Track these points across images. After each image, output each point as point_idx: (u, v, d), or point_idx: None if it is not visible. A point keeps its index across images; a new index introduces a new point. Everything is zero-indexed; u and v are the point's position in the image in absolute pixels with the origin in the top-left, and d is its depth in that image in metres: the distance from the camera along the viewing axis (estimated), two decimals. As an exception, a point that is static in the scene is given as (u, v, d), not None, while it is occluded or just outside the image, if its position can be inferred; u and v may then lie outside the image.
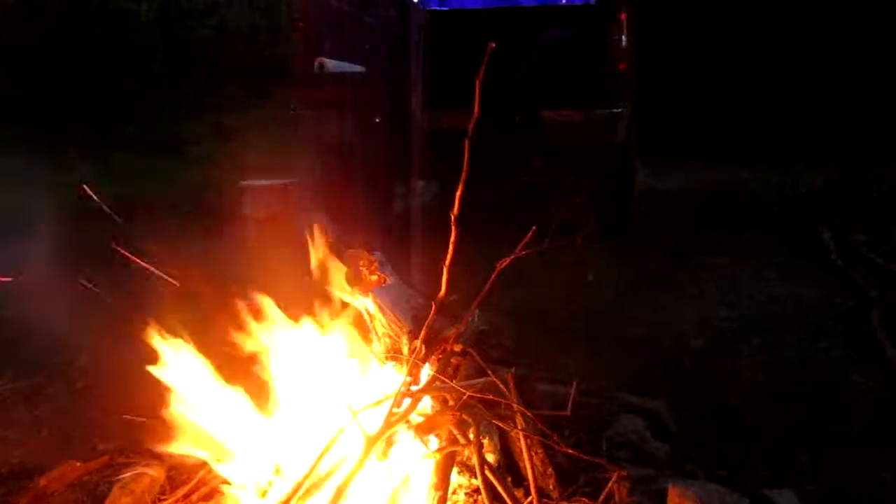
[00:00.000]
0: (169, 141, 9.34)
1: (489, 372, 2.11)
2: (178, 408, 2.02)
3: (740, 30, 8.47)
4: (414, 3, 5.80)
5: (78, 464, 2.26)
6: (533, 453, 2.00)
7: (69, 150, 7.60)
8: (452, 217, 1.77)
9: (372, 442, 1.78)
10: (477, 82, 1.61)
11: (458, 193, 1.74)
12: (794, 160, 6.80)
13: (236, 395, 2.09)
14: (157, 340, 2.01)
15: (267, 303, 2.19)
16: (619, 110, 3.97)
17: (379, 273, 2.24)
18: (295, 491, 1.74)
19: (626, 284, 3.94)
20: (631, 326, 3.38)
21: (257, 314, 2.19)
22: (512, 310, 3.08)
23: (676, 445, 2.34)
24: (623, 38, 3.94)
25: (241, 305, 2.20)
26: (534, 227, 2.05)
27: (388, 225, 4.50)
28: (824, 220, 4.96)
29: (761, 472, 2.22)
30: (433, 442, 2.00)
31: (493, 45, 1.48)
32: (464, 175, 1.75)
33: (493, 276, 2.13)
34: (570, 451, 2.02)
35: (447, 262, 1.86)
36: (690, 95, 7.90)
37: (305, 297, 2.20)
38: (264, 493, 1.91)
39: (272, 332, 2.17)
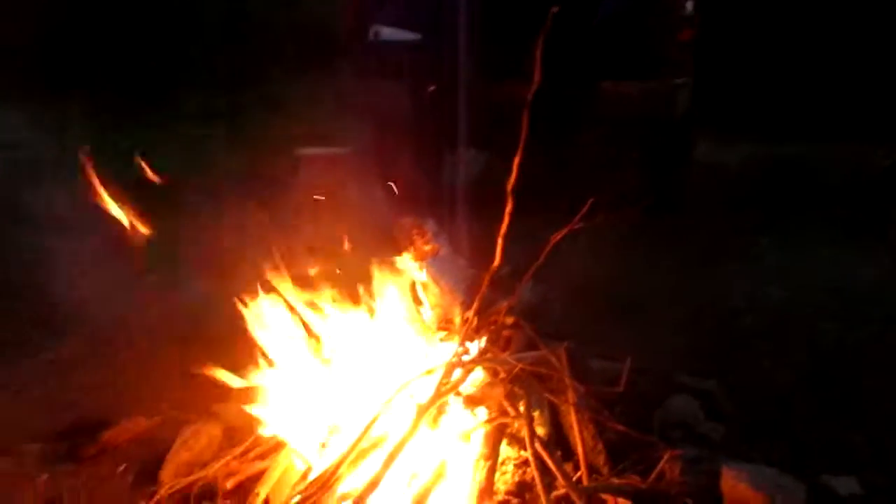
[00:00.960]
0: (223, 109, 9.46)
1: (541, 345, 2.10)
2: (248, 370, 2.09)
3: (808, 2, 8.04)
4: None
5: (141, 420, 2.36)
6: (584, 428, 1.99)
7: (123, 118, 7.77)
8: (508, 188, 1.75)
9: (422, 411, 1.79)
10: (537, 50, 1.58)
11: (514, 164, 1.72)
12: (860, 138, 6.48)
13: (300, 360, 2.13)
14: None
15: (319, 273, 2.23)
16: (680, 81, 3.84)
17: (432, 243, 2.24)
18: (346, 456, 1.78)
19: (679, 261, 3.84)
20: (683, 303, 3.31)
21: (313, 283, 2.22)
22: (565, 284, 3.04)
23: (731, 427, 2.29)
24: (688, 5, 3.79)
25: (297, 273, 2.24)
26: (590, 201, 2.02)
27: (440, 195, 4.49)
28: (889, 201, 4.73)
29: (818, 458, 2.16)
30: (483, 413, 2.01)
31: (556, 8, 1.44)
32: (521, 145, 1.72)
33: (546, 249, 2.11)
34: (622, 428, 2.00)
35: (501, 233, 1.85)
36: (754, 68, 7.57)
37: (363, 266, 2.21)
38: (319, 453, 1.95)
39: (330, 301, 2.20)
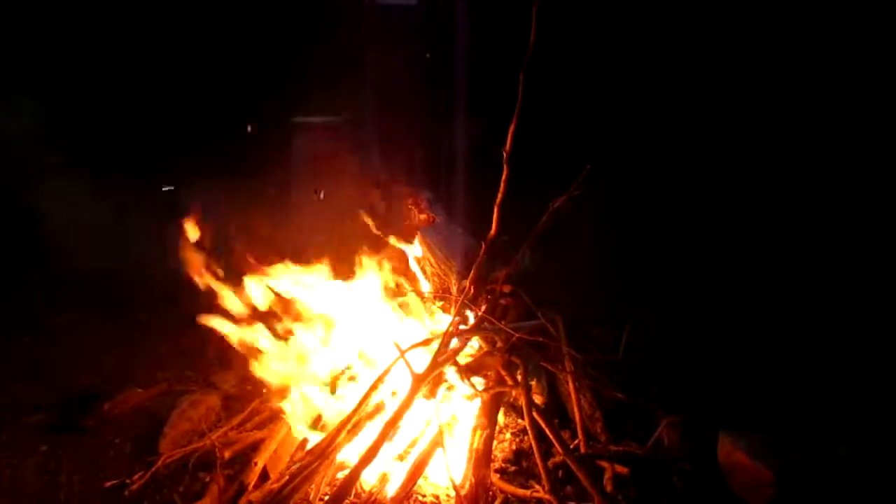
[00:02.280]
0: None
1: (538, 314, 2.09)
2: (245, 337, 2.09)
3: None
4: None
5: (140, 390, 2.36)
6: (581, 396, 1.99)
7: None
8: (504, 155, 1.72)
9: (419, 381, 1.79)
10: (533, 11, 1.53)
11: (510, 130, 1.68)
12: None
13: (294, 330, 2.13)
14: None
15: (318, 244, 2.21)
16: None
17: (428, 212, 2.22)
18: (344, 425, 1.78)
19: (679, 230, 3.80)
20: (681, 270, 3.27)
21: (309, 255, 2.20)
22: (563, 251, 3.01)
23: (728, 395, 2.28)
24: None
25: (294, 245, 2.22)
26: (587, 167, 1.98)
27: (437, 162, 4.44)
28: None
29: (814, 424, 2.15)
30: (480, 382, 2.00)
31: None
32: (517, 110, 1.68)
33: (545, 216, 2.08)
34: (619, 396, 1.99)
35: (498, 201, 1.82)
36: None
37: (359, 235, 2.19)
38: (319, 420, 1.96)
39: (325, 271, 2.19)
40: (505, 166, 1.74)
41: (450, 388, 1.94)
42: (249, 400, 2.20)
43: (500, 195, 1.81)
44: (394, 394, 1.91)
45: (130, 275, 3.28)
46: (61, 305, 3.07)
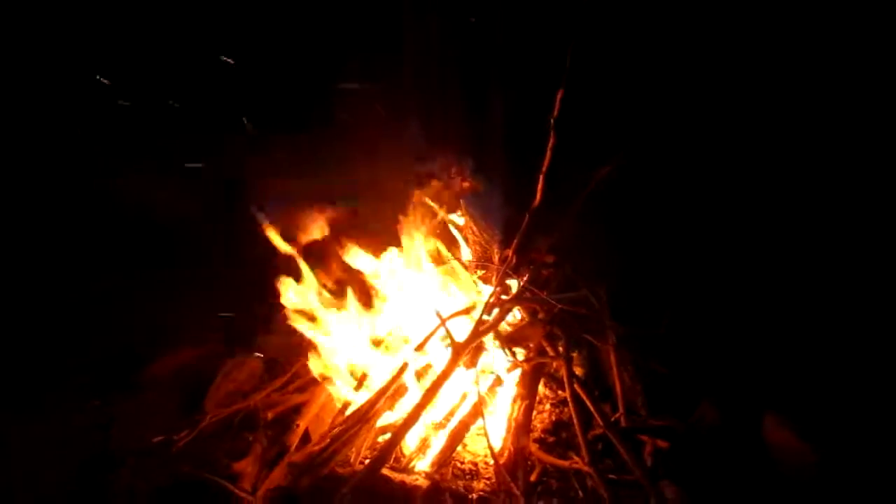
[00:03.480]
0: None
1: (582, 285, 2.06)
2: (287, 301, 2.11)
3: None
4: None
5: (186, 350, 2.42)
6: (622, 369, 1.97)
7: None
8: (552, 122, 1.68)
9: (460, 350, 1.78)
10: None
11: (558, 96, 1.64)
12: None
13: (338, 299, 2.14)
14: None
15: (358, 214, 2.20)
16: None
17: (470, 180, 2.19)
18: (384, 391, 1.79)
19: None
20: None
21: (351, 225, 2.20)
22: (609, 223, 2.95)
23: (770, 374, 2.23)
24: None
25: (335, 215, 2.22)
26: (630, 141, 1.93)
27: (479, 130, 4.37)
28: None
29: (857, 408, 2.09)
30: (521, 353, 1.99)
31: None
32: (564, 78, 1.64)
33: (589, 186, 2.05)
34: (662, 370, 1.96)
35: (543, 169, 1.79)
36: None
37: (404, 205, 2.18)
38: (359, 384, 1.97)
39: (368, 243, 2.18)
40: (552, 133, 1.70)
41: (491, 357, 1.93)
42: (291, 364, 2.23)
43: (545, 163, 1.78)
44: (435, 362, 1.92)
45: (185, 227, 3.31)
46: (110, 262, 3.14)
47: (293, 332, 2.11)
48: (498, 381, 1.92)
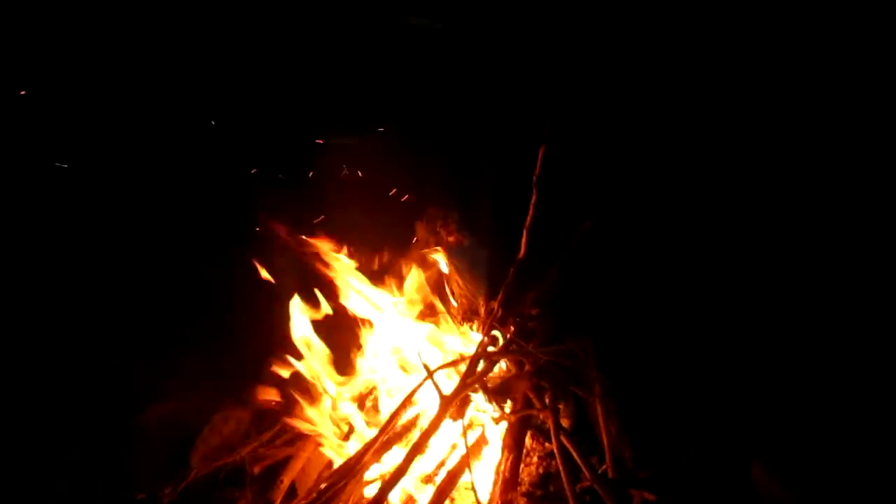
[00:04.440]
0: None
1: (567, 337, 2.08)
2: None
3: None
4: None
5: (173, 403, 2.40)
6: (609, 421, 1.97)
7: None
8: (534, 179, 1.73)
9: (447, 402, 1.79)
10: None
11: (540, 154, 1.70)
12: None
13: (323, 349, 2.15)
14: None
15: (349, 265, 2.23)
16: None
17: (456, 234, 2.23)
18: (372, 444, 1.79)
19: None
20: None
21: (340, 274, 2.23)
22: (593, 274, 3.00)
23: (759, 421, 2.24)
24: None
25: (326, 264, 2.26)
26: (610, 194, 2.00)
27: (466, 179, 4.46)
28: None
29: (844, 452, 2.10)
30: (508, 405, 2.00)
31: None
32: (546, 136, 1.70)
33: (574, 238, 2.09)
34: (647, 422, 1.97)
35: (526, 224, 1.83)
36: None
37: (391, 258, 2.22)
38: (345, 438, 1.97)
39: (357, 289, 2.21)
40: (534, 190, 1.75)
41: (478, 409, 1.94)
42: (279, 417, 2.22)
43: (528, 218, 1.83)
44: (420, 415, 1.92)
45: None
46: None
47: (282, 383, 2.11)
48: (484, 436, 1.92)
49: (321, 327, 2.20)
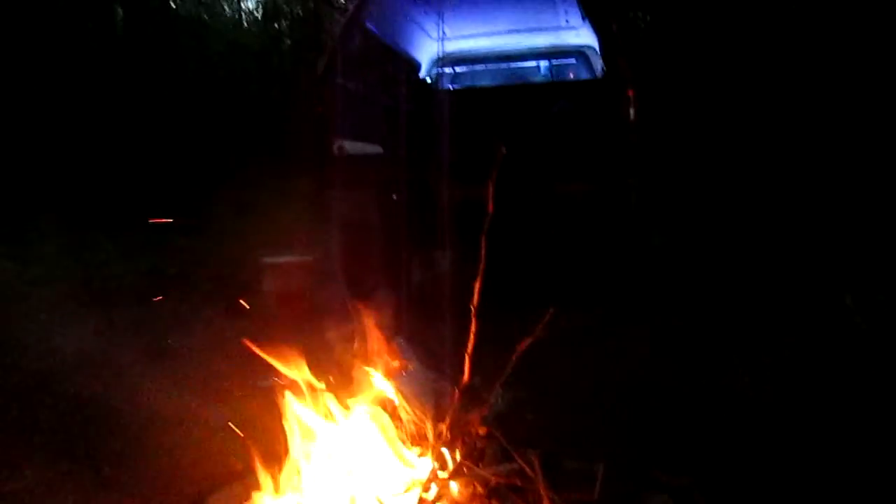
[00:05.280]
0: (190, 215, 9.59)
1: (515, 455, 2.13)
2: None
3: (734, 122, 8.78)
4: (428, 82, 6.04)
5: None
6: (562, 538, 2.00)
7: (93, 228, 7.84)
8: (472, 308, 1.84)
9: (401, 533, 1.79)
10: (490, 185, 1.70)
11: (476, 285, 1.82)
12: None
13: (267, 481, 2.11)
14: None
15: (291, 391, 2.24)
16: (629, 182, 4.05)
17: (401, 359, 2.29)
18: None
19: (646, 353, 3.93)
20: (654, 397, 3.37)
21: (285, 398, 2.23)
22: (534, 383, 3.09)
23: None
24: (631, 112, 4.05)
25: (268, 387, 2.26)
26: (550, 310, 2.12)
27: (408, 296, 4.58)
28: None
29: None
30: (462, 529, 2.00)
31: (504, 150, 1.58)
32: (481, 266, 1.83)
33: (513, 358, 2.19)
34: (599, 535, 2.01)
35: (468, 351, 1.92)
36: (699, 167, 8.12)
37: (334, 378, 2.24)
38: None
39: (300, 418, 2.21)
40: (473, 319, 1.86)
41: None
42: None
43: (469, 345, 1.92)
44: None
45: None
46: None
47: None
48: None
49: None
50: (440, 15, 4.98)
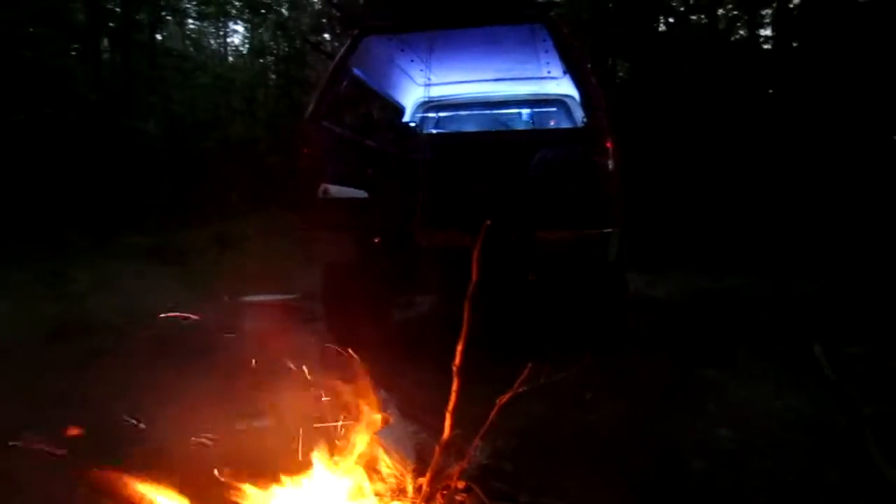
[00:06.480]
0: (171, 251, 9.58)
1: (493, 509, 2.15)
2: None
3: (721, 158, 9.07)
4: (412, 128, 6.15)
5: None
6: None
7: (70, 262, 7.79)
8: (454, 368, 1.87)
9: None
10: (475, 252, 1.75)
11: (459, 347, 1.85)
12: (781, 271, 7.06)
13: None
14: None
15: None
16: (610, 230, 4.13)
17: (382, 412, 2.31)
18: None
19: (624, 402, 3.96)
20: (632, 446, 3.39)
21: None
22: (513, 433, 3.10)
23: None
24: (610, 162, 4.15)
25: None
26: (529, 365, 2.17)
27: (388, 337, 4.59)
28: (816, 333, 5.07)
29: None
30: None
31: (489, 222, 1.64)
32: (464, 329, 1.87)
33: (492, 414, 2.22)
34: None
35: (449, 408, 1.95)
36: (676, 213, 8.33)
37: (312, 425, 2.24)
38: None
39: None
40: (455, 378, 1.89)
41: None
42: None
43: (451, 403, 1.94)
44: None
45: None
46: None
47: None
48: None
49: None
50: (427, 63, 5.09)
